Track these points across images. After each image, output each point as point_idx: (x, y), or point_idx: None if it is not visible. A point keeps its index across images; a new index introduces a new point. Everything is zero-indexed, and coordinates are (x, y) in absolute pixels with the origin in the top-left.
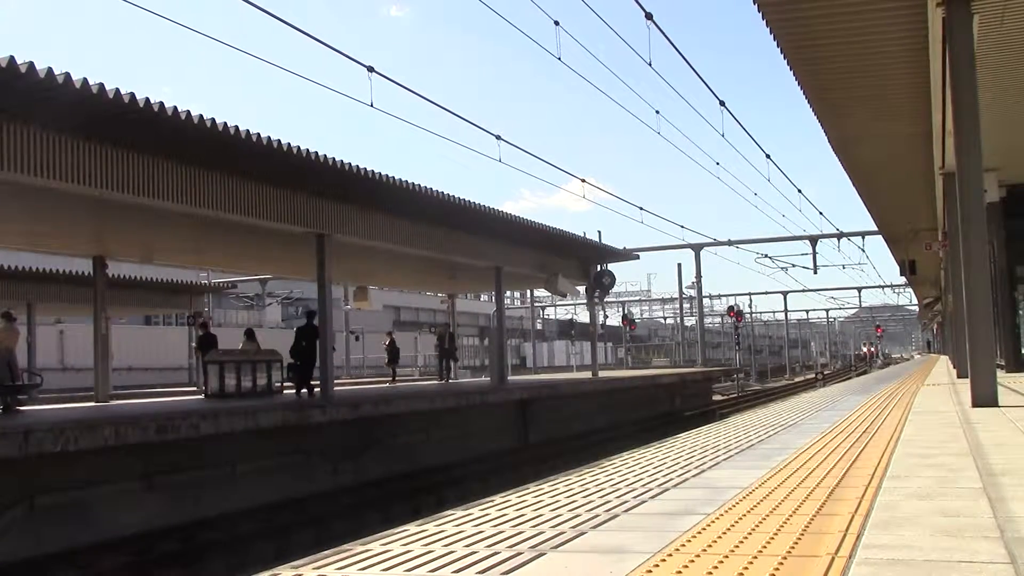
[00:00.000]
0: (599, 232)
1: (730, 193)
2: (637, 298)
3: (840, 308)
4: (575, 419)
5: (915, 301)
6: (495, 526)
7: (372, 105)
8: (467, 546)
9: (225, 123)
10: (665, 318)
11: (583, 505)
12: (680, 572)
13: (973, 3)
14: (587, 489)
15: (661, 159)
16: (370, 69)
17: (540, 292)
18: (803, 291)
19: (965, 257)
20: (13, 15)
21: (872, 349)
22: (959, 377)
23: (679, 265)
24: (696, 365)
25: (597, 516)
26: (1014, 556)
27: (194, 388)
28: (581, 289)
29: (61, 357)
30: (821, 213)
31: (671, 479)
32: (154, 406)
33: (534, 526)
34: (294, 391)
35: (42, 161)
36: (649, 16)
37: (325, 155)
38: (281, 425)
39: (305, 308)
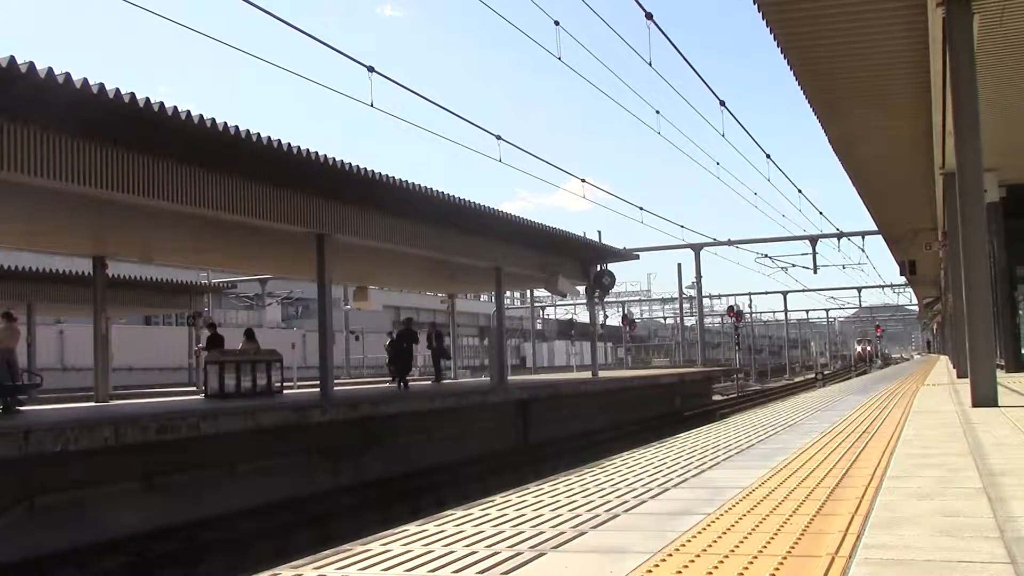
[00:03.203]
0: (599, 232)
1: (730, 193)
2: (637, 298)
3: (840, 308)
4: (575, 419)
5: (915, 301)
6: (495, 526)
7: (372, 105)
8: (467, 546)
9: (225, 123)
10: (665, 318)
11: (583, 505)
12: (680, 572)
13: (973, 3)
14: (587, 489)
15: (661, 159)
16: (370, 69)
17: (540, 292)
18: (803, 291)
19: (965, 257)
20: (13, 15)
21: (869, 349)
22: (959, 377)
23: (679, 265)
24: (696, 365)
25: (597, 516)
26: (1014, 556)
27: (194, 388)
28: (581, 289)
29: (61, 357)
30: (821, 213)
31: (671, 479)
32: (154, 406)
33: (534, 526)
34: (393, 383)
35: (42, 161)
36: (649, 16)
37: (325, 155)
38: (281, 425)
39: (404, 319)
